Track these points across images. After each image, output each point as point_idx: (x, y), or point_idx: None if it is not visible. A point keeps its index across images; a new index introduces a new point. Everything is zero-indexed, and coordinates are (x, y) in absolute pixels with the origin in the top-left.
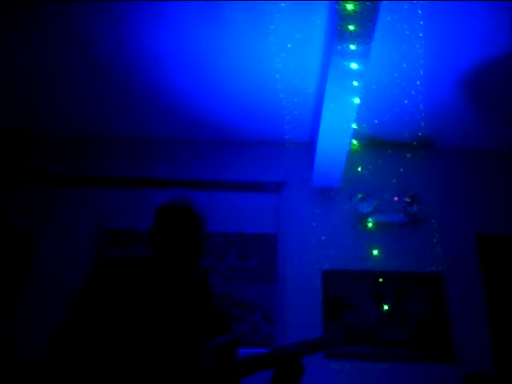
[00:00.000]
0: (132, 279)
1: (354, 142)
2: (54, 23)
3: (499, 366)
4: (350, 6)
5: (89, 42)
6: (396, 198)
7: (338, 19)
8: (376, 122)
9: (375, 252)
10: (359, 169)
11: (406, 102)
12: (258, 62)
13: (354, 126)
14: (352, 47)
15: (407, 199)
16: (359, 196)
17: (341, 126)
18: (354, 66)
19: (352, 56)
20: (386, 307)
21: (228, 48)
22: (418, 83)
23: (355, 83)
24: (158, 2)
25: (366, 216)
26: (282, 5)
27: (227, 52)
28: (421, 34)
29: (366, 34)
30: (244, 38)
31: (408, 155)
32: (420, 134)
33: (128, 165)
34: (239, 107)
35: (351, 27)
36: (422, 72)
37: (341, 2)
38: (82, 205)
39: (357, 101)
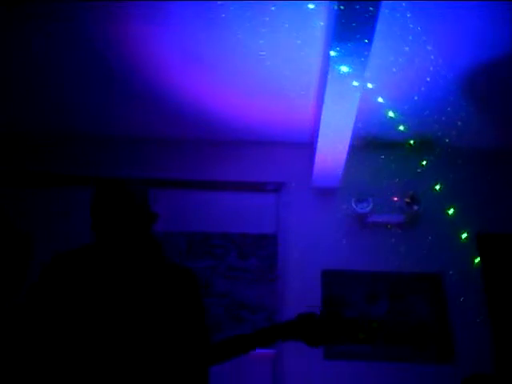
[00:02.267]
0: (78, 271)
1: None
2: (55, 23)
3: (499, 366)
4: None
5: (89, 43)
6: (396, 198)
7: (336, 21)
8: (376, 122)
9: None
10: (359, 169)
11: (406, 101)
12: (258, 63)
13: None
14: (351, 48)
15: (407, 199)
16: (359, 196)
17: (341, 126)
18: (352, 67)
19: (351, 57)
20: (385, 307)
21: (229, 49)
22: (423, 83)
23: (355, 83)
24: (160, 2)
25: (365, 216)
26: (272, 8)
27: (228, 53)
28: (422, 36)
29: (365, 35)
30: (245, 38)
31: (408, 155)
32: (420, 133)
33: (128, 165)
34: (239, 107)
35: (350, 29)
36: (421, 72)
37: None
38: (81, 205)
39: (357, 100)
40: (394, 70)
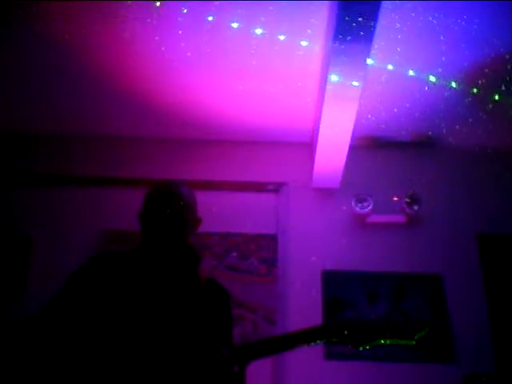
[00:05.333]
0: (121, 271)
1: (432, 78)
2: (54, 23)
3: (499, 365)
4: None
5: (89, 43)
6: (396, 198)
7: (337, 19)
8: (376, 121)
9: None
10: (359, 169)
11: (407, 101)
12: (258, 62)
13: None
14: (351, 48)
15: (407, 199)
16: (359, 196)
17: (341, 126)
18: (352, 66)
19: (351, 56)
20: (385, 307)
21: (228, 49)
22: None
23: (355, 83)
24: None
25: (365, 216)
26: (271, 7)
27: (227, 53)
28: (422, 35)
29: (366, 34)
30: (244, 38)
31: (408, 155)
32: (420, 133)
33: (128, 165)
34: (239, 107)
35: (350, 28)
36: (421, 71)
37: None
38: (81, 205)
39: (357, 100)
40: (394, 69)
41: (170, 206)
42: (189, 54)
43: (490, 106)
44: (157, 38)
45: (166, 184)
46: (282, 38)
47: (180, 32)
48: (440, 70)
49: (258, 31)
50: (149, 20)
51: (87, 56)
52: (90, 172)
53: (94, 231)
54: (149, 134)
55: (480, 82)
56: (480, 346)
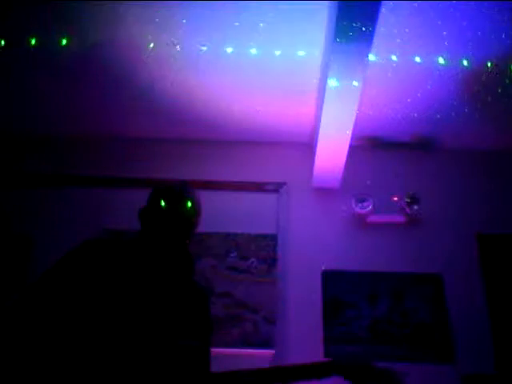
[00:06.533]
0: (114, 260)
1: (441, 60)
2: (52, 22)
3: (500, 365)
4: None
5: (88, 42)
6: (396, 198)
7: (337, 18)
8: (376, 121)
9: None
10: (359, 169)
11: (407, 100)
12: (258, 62)
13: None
14: (351, 46)
15: (407, 199)
16: (359, 196)
17: (341, 126)
18: (353, 66)
19: (352, 56)
20: (385, 308)
21: (228, 47)
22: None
23: (355, 83)
24: (159, 2)
25: (365, 216)
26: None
27: (227, 53)
28: (422, 35)
29: (366, 34)
30: (244, 36)
31: (408, 155)
32: (420, 133)
33: (128, 165)
34: (239, 107)
35: (351, 27)
36: (421, 72)
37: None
38: (81, 205)
39: (357, 100)
40: (394, 69)
41: (183, 210)
42: (188, 54)
43: (489, 98)
44: (156, 38)
45: (177, 187)
46: (282, 39)
47: (180, 31)
48: (441, 67)
49: (257, 32)
50: (146, 19)
51: (86, 57)
52: (90, 172)
53: (94, 231)
54: (149, 134)
55: (481, 79)
56: (480, 346)
